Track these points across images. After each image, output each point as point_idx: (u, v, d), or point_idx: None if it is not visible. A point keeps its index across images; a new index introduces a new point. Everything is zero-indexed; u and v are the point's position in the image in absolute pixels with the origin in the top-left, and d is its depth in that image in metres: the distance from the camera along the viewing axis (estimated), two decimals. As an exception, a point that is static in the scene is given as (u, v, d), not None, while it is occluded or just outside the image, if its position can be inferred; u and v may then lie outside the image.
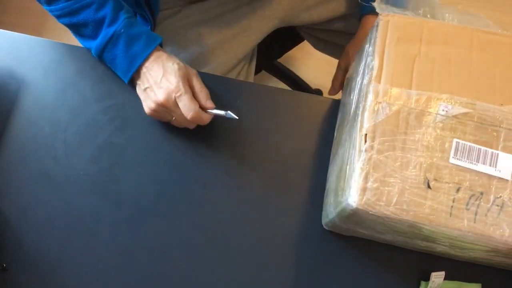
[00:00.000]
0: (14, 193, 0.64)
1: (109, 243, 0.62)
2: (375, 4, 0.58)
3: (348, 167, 0.53)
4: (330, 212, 0.58)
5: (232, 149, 0.67)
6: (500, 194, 0.49)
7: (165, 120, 0.66)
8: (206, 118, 0.64)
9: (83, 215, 0.63)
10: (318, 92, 1.37)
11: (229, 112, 0.63)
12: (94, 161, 0.66)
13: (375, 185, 0.49)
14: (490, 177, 0.50)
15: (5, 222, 0.62)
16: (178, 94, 0.62)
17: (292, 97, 0.72)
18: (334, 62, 0.83)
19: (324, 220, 0.62)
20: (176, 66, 0.64)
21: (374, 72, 0.54)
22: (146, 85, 0.64)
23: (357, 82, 0.59)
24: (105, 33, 0.64)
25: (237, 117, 0.63)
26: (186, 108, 0.62)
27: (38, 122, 0.68)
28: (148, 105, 0.65)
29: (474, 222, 0.48)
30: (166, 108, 0.63)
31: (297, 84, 1.35)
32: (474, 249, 0.53)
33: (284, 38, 0.98)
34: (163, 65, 0.64)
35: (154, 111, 0.64)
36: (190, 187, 0.65)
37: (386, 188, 0.49)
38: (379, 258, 0.61)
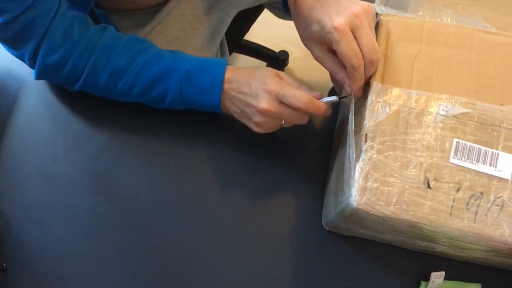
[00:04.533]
0: (14, 193, 0.64)
1: (109, 243, 0.62)
2: (375, 5, 0.58)
3: (348, 167, 0.53)
4: (330, 212, 0.58)
5: (232, 149, 0.67)
6: (500, 194, 0.49)
7: (274, 129, 0.61)
8: (319, 104, 0.57)
9: (83, 215, 0.63)
10: (285, 53, 1.33)
11: (337, 96, 0.58)
12: (94, 161, 0.66)
13: (375, 185, 0.49)
14: (490, 177, 0.50)
15: (5, 222, 0.62)
16: (278, 89, 0.56)
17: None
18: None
19: (324, 220, 0.62)
20: (259, 69, 0.59)
21: (374, 72, 0.54)
22: (242, 105, 0.59)
23: (357, 82, 0.59)
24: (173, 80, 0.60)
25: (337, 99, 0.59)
26: (295, 97, 0.56)
27: (38, 122, 0.68)
28: (254, 123, 0.59)
29: (474, 222, 0.48)
30: (271, 114, 0.57)
31: (263, 53, 1.33)
32: (474, 249, 0.53)
33: (246, 15, 0.89)
34: (244, 76, 0.59)
35: (263, 124, 0.59)
36: (190, 187, 0.65)
37: (386, 188, 0.49)
38: (379, 258, 0.61)
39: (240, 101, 0.59)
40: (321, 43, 0.56)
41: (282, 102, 0.57)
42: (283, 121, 0.59)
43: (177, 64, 0.61)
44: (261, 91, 0.57)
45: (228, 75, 0.60)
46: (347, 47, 0.52)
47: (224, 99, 0.61)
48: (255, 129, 0.60)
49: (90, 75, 0.61)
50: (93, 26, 0.62)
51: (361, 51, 0.52)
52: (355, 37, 0.52)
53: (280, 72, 0.60)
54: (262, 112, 0.57)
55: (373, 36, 0.53)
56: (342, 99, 0.58)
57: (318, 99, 0.58)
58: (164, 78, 0.61)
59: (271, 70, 0.59)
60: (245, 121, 0.61)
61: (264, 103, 0.56)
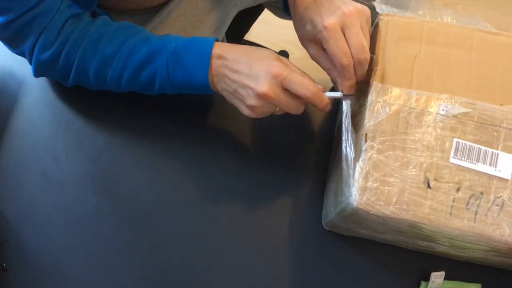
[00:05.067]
0: (14, 193, 0.64)
1: (109, 243, 0.62)
2: (375, 4, 0.58)
3: (347, 166, 0.53)
4: (330, 212, 0.58)
5: (232, 149, 0.67)
6: (500, 194, 0.49)
7: (265, 115, 0.58)
8: (324, 96, 0.55)
9: (83, 215, 0.63)
10: (285, 53, 1.30)
11: (342, 93, 0.56)
12: (94, 161, 0.66)
13: (375, 185, 0.49)
14: (490, 176, 0.50)
15: (5, 222, 0.62)
16: (285, 74, 0.53)
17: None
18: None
19: (324, 220, 0.62)
20: (260, 49, 0.56)
21: (374, 72, 0.54)
22: (235, 86, 0.55)
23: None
24: (161, 60, 0.58)
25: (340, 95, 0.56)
26: (304, 86, 0.53)
27: (38, 122, 0.68)
28: (246, 106, 0.56)
29: (474, 222, 0.48)
30: (269, 99, 0.53)
31: None
32: (474, 249, 0.53)
33: (246, 15, 0.88)
34: (242, 53, 0.56)
35: (256, 108, 0.55)
36: (190, 187, 0.65)
37: (386, 187, 0.49)
38: (379, 258, 0.61)
39: (234, 81, 0.55)
40: (315, 43, 0.57)
41: (284, 89, 0.54)
42: (277, 108, 0.56)
43: (163, 45, 0.58)
44: (264, 73, 0.53)
45: (218, 50, 0.57)
46: (336, 46, 0.52)
47: (213, 76, 0.57)
48: (246, 112, 0.57)
49: (80, 66, 0.60)
50: (86, 18, 0.61)
51: (350, 50, 0.52)
52: (345, 37, 0.53)
53: (283, 58, 0.57)
54: (261, 96, 0.53)
55: (362, 36, 0.53)
56: (345, 96, 0.56)
57: (322, 91, 0.56)
58: (151, 61, 0.58)
59: (274, 53, 0.56)
60: (236, 102, 0.58)
61: (265, 87, 0.53)
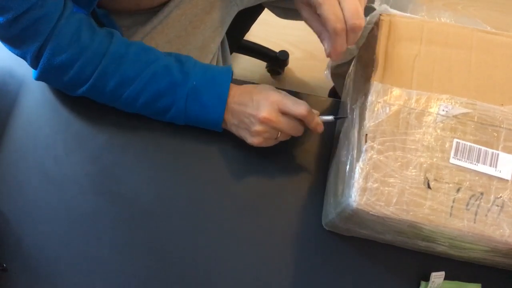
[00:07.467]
0: (14, 193, 0.64)
1: (109, 243, 0.62)
2: (375, 5, 0.58)
3: (348, 167, 0.53)
4: (330, 212, 0.58)
5: (232, 149, 0.67)
6: (500, 194, 0.49)
7: (272, 143, 0.63)
8: (316, 117, 0.60)
9: (83, 215, 0.63)
10: (285, 53, 1.30)
11: (333, 116, 0.62)
12: (94, 161, 0.66)
13: (375, 185, 0.49)
14: (490, 177, 0.50)
15: (5, 222, 0.62)
16: (280, 98, 0.59)
17: (292, 97, 0.71)
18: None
19: (324, 220, 0.62)
20: (261, 85, 0.62)
21: (374, 72, 0.54)
22: (241, 116, 0.61)
23: (356, 81, 0.59)
24: (182, 92, 0.62)
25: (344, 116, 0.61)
26: (297, 106, 0.59)
27: (38, 122, 0.68)
28: (251, 133, 0.61)
29: (474, 222, 0.48)
30: (270, 122, 0.59)
31: (263, 53, 1.31)
32: (474, 249, 0.53)
33: (245, 15, 0.88)
34: (247, 91, 0.62)
35: (261, 133, 0.60)
36: (190, 187, 0.65)
37: (386, 188, 0.49)
38: (379, 258, 0.61)
39: (240, 113, 0.61)
40: (308, 6, 0.56)
41: (282, 113, 0.60)
42: (279, 133, 0.61)
43: (185, 80, 0.62)
44: (263, 101, 0.60)
45: (231, 91, 0.63)
46: (329, 10, 0.51)
47: (226, 113, 0.63)
48: (251, 139, 0.62)
49: (97, 82, 0.61)
50: (100, 31, 0.62)
51: (343, 15, 0.51)
52: (339, 2, 0.52)
53: (281, 90, 0.63)
54: (262, 120, 0.59)
55: (357, 2, 0.52)
56: (337, 120, 0.62)
57: (316, 115, 0.61)
58: (170, 93, 0.62)
59: (272, 86, 0.63)
60: (242, 132, 0.63)
61: (265, 112, 0.59)
